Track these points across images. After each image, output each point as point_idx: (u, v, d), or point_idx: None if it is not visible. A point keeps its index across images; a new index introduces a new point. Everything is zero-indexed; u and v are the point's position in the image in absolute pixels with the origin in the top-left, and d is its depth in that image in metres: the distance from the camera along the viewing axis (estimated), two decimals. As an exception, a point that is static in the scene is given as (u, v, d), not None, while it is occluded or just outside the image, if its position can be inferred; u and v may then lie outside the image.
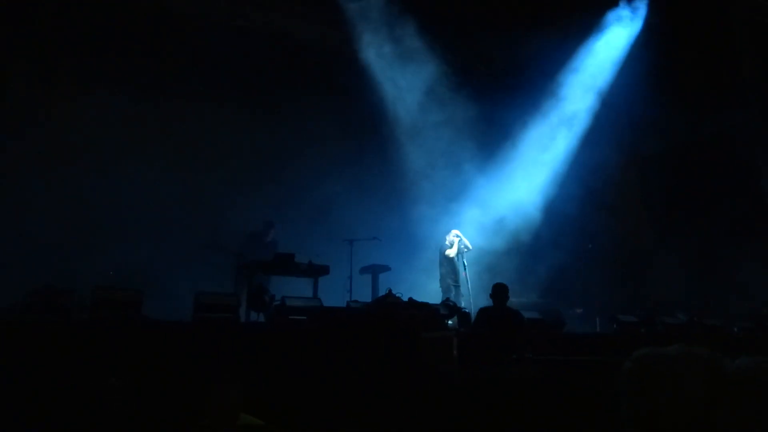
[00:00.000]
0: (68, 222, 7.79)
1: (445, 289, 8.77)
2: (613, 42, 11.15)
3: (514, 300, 7.48)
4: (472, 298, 8.60)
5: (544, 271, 10.17)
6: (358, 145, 9.96)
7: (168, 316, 5.66)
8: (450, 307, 6.92)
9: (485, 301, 7.10)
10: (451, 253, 8.86)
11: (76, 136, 8.30)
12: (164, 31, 9.00)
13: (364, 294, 7.83)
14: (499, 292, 6.76)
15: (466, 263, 8.80)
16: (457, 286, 8.79)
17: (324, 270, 7.30)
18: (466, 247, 8.91)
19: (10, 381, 4.03)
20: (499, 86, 11.29)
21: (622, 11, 11.05)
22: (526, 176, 10.47)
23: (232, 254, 7.85)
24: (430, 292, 8.46)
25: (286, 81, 9.75)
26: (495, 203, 10.13)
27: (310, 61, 9.95)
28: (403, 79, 9.72)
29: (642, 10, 11.03)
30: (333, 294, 7.53)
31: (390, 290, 6.46)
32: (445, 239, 9.03)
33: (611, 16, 11.14)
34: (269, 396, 3.72)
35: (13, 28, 8.18)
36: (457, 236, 8.95)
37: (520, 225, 10.16)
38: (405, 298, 6.35)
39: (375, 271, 8.30)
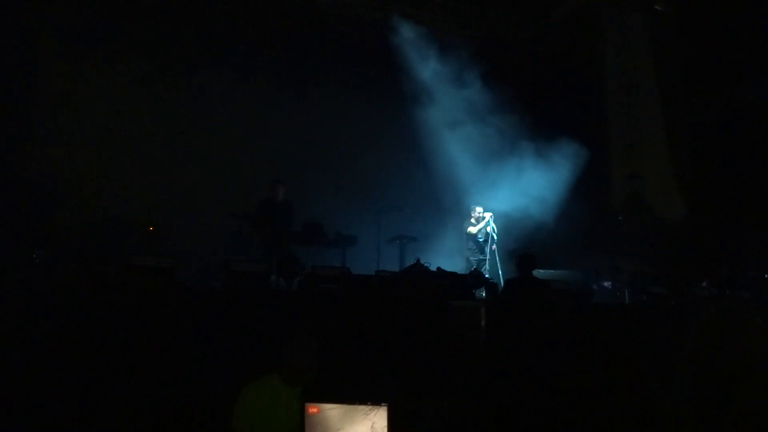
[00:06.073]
0: (102, 191, 7.97)
1: (472, 262, 8.75)
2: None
3: (540, 271, 7.44)
4: (500, 269, 8.58)
5: (571, 242, 10.04)
6: (386, 116, 9.85)
7: (197, 284, 5.76)
8: (478, 277, 6.90)
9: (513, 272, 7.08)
10: (473, 230, 8.83)
11: (107, 107, 8.42)
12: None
13: (391, 264, 7.83)
14: (524, 262, 6.73)
15: (495, 235, 8.78)
16: (483, 260, 8.79)
17: (352, 240, 7.31)
18: (492, 228, 8.84)
19: (50, 345, 4.14)
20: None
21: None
22: (554, 145, 10.19)
23: (248, 220, 7.84)
24: (458, 262, 8.43)
25: (313, 50, 9.63)
26: (521, 174, 9.94)
27: (337, 31, 9.77)
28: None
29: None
30: (360, 264, 7.54)
31: (418, 259, 6.46)
32: (471, 216, 8.98)
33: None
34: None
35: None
36: (480, 213, 8.89)
37: (547, 195, 9.97)
38: (433, 268, 6.35)
39: (402, 241, 8.29)
